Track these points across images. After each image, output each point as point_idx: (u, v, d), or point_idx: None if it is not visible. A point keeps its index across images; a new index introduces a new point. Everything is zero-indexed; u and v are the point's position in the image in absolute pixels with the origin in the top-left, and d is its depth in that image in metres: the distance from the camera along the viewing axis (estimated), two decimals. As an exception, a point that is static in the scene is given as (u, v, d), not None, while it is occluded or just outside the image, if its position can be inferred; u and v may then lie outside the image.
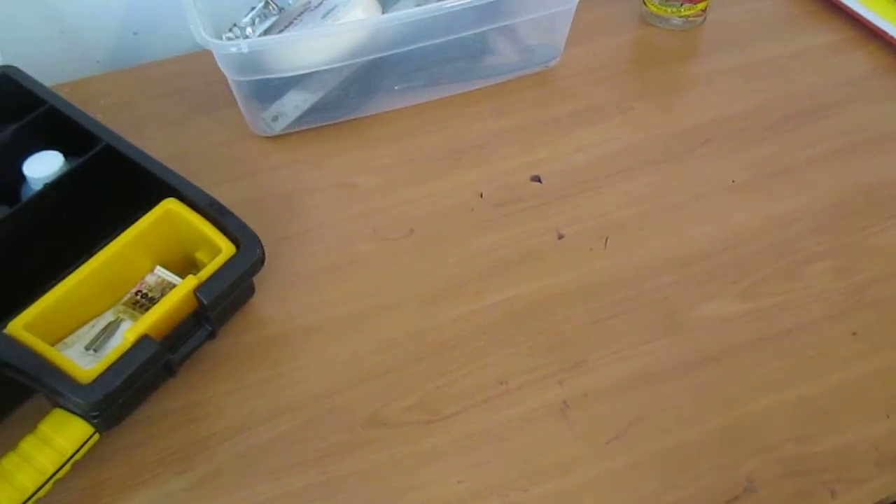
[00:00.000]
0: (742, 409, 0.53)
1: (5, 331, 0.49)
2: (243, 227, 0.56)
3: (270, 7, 0.71)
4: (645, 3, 0.82)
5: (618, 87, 0.76)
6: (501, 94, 0.75)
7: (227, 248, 0.55)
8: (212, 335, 0.56)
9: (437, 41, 0.68)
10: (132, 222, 0.55)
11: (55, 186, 0.57)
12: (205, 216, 0.56)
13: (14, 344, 0.49)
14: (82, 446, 0.49)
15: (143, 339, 0.50)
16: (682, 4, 0.80)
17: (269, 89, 0.69)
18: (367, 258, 0.63)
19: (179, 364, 0.54)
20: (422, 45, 0.68)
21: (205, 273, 0.53)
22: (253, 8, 0.71)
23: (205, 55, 0.66)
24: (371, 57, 0.68)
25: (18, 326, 0.50)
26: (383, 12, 0.70)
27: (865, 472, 0.51)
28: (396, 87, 0.73)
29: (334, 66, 0.67)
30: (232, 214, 0.57)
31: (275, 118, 0.70)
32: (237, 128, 0.72)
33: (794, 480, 0.50)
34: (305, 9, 0.71)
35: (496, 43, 0.76)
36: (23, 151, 0.59)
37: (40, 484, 0.48)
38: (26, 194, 0.60)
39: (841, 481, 0.50)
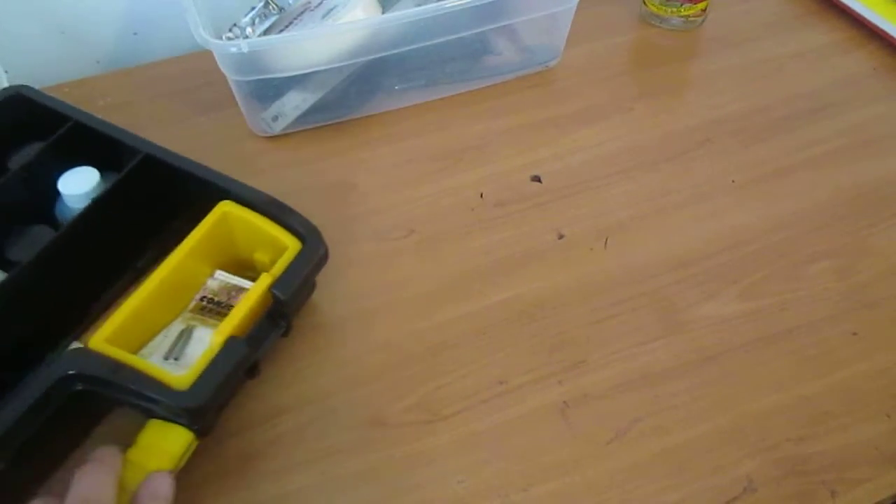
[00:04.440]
0: (742, 409, 0.53)
1: (89, 346, 0.48)
2: (305, 223, 0.55)
3: (270, 7, 0.71)
4: (645, 3, 0.82)
5: (618, 87, 0.76)
6: (501, 94, 0.75)
7: (293, 245, 0.54)
8: (286, 332, 0.55)
9: (437, 41, 0.68)
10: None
11: (100, 201, 0.55)
12: (265, 215, 0.55)
13: (105, 359, 0.47)
14: (185, 453, 0.48)
15: (231, 341, 0.49)
16: (682, 4, 0.80)
17: (269, 89, 0.69)
18: (367, 258, 0.63)
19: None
20: (422, 45, 0.68)
21: (277, 269, 0.52)
22: (253, 8, 0.71)
23: (205, 55, 0.66)
24: (371, 57, 0.68)
25: (101, 340, 0.48)
26: (383, 12, 0.70)
27: (865, 472, 0.51)
28: (396, 87, 0.73)
29: (334, 66, 0.67)
30: (293, 210, 0.55)
31: (275, 118, 0.70)
32: (237, 128, 0.72)
33: (794, 480, 0.50)
34: (305, 9, 0.71)
35: (496, 43, 0.76)
36: (52, 170, 0.58)
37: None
38: (61, 211, 0.59)
39: (841, 481, 0.50)
